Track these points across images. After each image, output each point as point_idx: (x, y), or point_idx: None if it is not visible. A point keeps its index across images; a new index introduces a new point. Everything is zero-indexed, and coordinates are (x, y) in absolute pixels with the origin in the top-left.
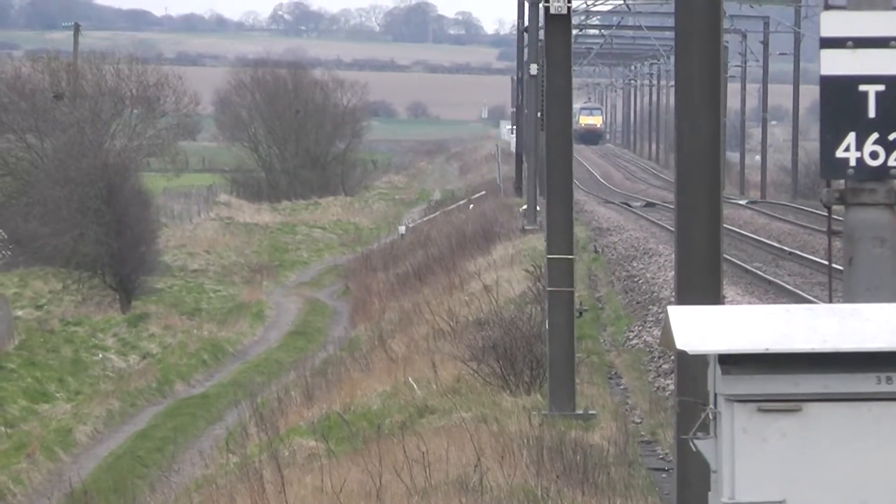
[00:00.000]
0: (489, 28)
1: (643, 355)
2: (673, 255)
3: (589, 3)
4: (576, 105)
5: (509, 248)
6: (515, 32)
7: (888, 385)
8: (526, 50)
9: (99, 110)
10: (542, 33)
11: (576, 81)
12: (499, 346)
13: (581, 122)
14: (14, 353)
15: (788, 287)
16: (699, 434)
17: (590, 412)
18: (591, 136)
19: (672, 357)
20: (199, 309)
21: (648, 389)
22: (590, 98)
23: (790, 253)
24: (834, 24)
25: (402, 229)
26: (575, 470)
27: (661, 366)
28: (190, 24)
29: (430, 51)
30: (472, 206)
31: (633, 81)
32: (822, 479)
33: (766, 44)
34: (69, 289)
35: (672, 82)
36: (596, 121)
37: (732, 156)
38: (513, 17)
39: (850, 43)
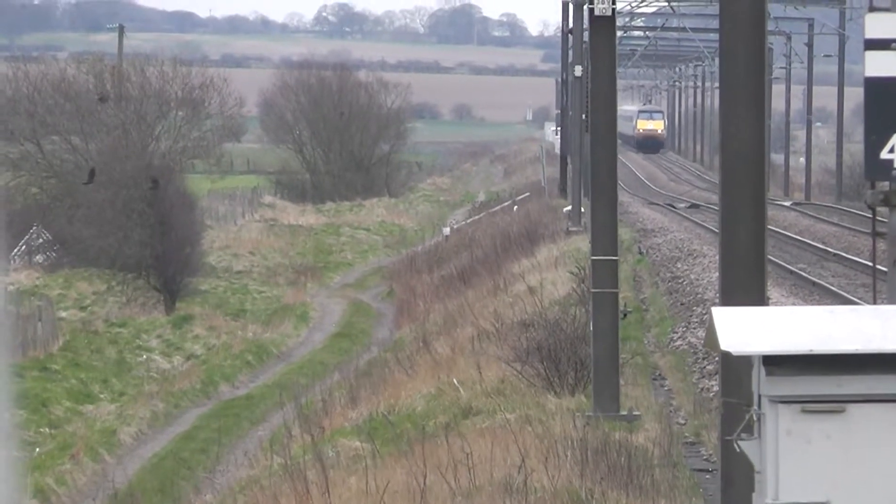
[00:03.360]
0: (533, 30)
1: (687, 356)
2: (717, 257)
3: (633, 4)
4: (633, 107)
5: (554, 249)
6: (560, 34)
7: None
8: (570, 52)
9: (144, 112)
10: (586, 35)
11: (620, 83)
12: (543, 347)
13: (639, 127)
14: (58, 354)
15: (832, 288)
16: (743, 435)
17: (634, 413)
18: (651, 144)
19: (716, 358)
20: (243, 310)
21: (692, 391)
22: (649, 100)
23: (834, 254)
24: (878, 25)
25: (446, 231)
26: (619, 471)
27: (705, 367)
28: (234, 25)
29: (474, 52)
30: (516, 207)
31: (677, 83)
32: (865, 480)
33: (810, 45)
34: (113, 290)
35: (716, 84)
36: (657, 126)
37: (777, 157)
38: (557, 18)
39: (894, 45)
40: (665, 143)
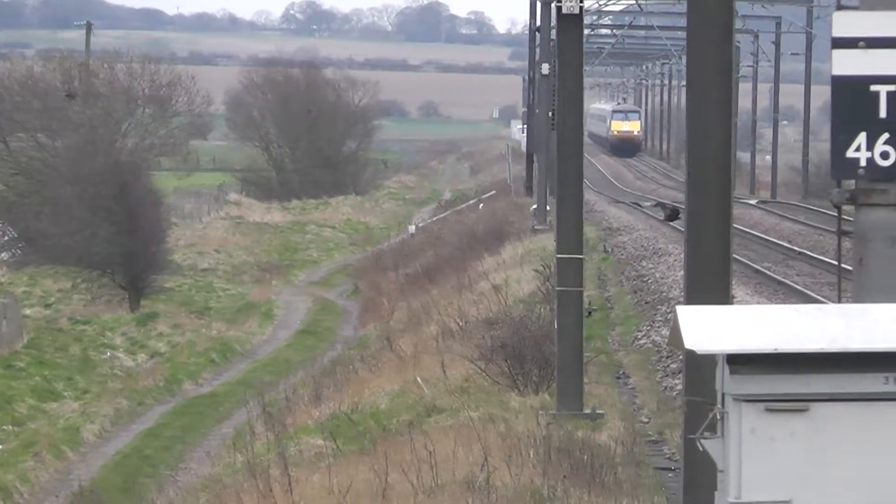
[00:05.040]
0: (501, 28)
1: (651, 355)
2: (682, 255)
3: (601, 2)
4: (606, 106)
5: (519, 247)
6: (527, 32)
7: None
8: (538, 49)
9: (111, 109)
10: (554, 33)
11: (587, 81)
12: (507, 345)
13: (613, 128)
14: (23, 351)
15: (798, 287)
16: (707, 434)
17: (598, 412)
18: (627, 147)
19: (680, 357)
20: (208, 308)
21: (656, 389)
22: (624, 98)
23: (800, 253)
24: (846, 24)
25: (412, 229)
26: (582, 469)
27: (669, 365)
28: (202, 23)
29: (442, 50)
30: (482, 205)
31: (644, 81)
32: (829, 479)
33: (777, 44)
34: (78, 287)
35: (683, 82)
36: (633, 127)
37: (743, 156)
38: (525, 16)
39: (861, 43)
40: (641, 145)
